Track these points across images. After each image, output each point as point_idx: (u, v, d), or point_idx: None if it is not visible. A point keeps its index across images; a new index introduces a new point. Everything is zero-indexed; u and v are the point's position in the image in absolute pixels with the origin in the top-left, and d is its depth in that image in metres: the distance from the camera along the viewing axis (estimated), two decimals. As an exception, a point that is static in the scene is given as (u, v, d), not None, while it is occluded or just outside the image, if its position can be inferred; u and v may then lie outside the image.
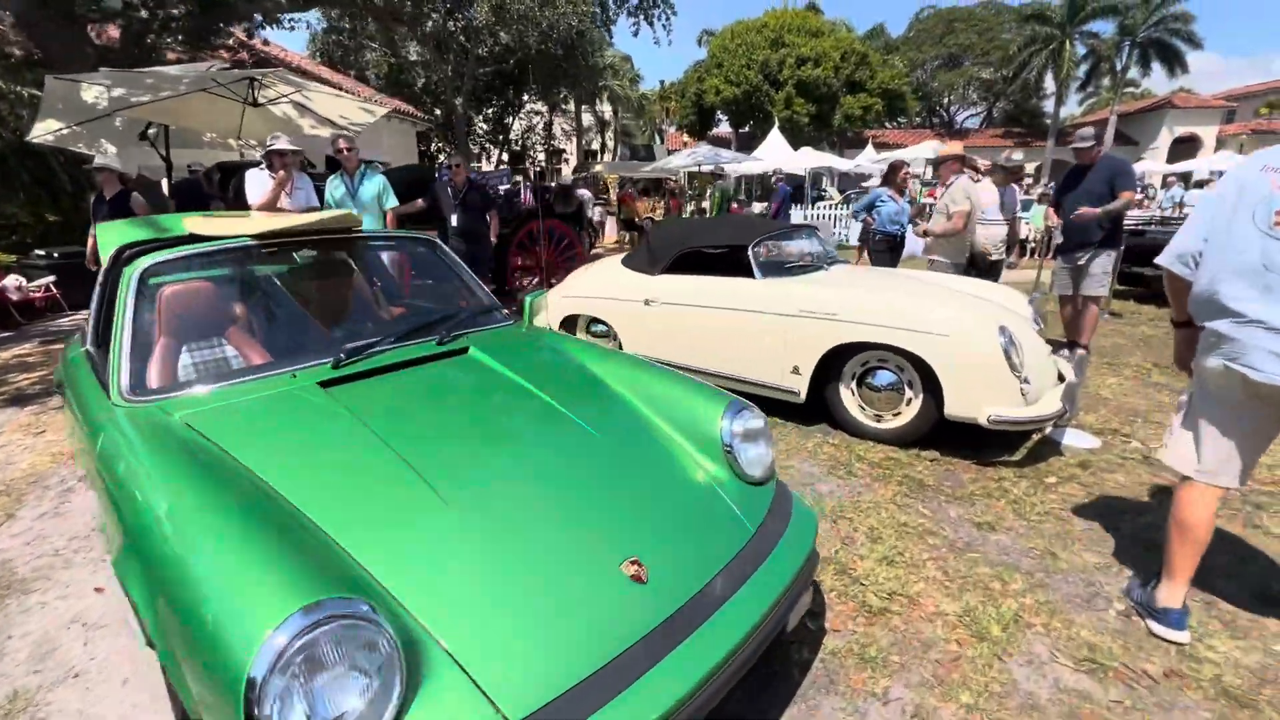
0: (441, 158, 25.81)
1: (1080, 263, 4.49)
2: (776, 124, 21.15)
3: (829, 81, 26.55)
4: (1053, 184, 18.44)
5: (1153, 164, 25.31)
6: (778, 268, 3.73)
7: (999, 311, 3.30)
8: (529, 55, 22.06)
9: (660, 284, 4.09)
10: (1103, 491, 2.80)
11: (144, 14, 8.62)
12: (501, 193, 8.23)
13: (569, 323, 4.73)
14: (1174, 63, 31.10)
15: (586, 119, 31.71)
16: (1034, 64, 33.36)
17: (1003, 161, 4.76)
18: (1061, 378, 3.39)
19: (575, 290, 4.63)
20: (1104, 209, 4.25)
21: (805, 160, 15.15)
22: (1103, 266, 4.46)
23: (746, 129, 31.23)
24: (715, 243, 3.96)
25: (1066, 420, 3.00)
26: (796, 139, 25.68)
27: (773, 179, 11.03)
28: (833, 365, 3.37)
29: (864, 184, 15.48)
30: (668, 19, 14.67)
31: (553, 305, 4.76)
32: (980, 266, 4.94)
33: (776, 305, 3.47)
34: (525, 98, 26.82)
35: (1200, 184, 19.18)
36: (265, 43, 13.07)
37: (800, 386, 3.43)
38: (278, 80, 6.38)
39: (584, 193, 11.13)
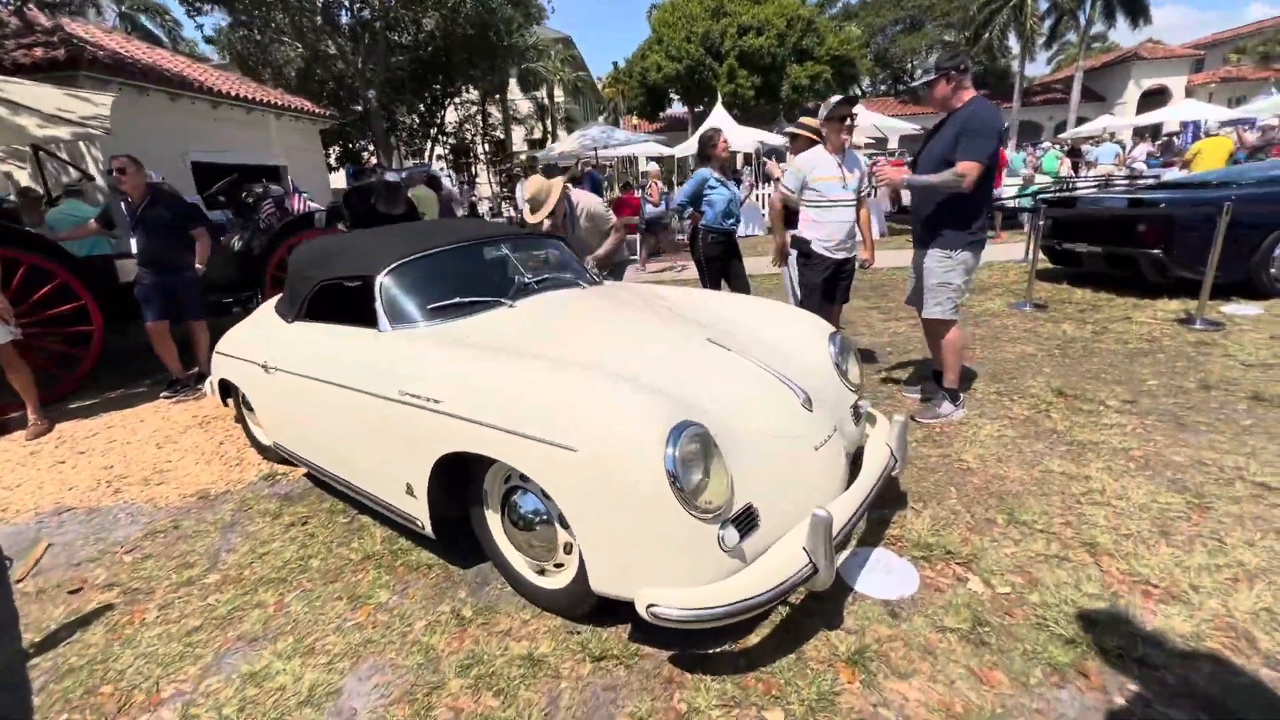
0: (372, 159, 24.16)
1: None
2: (720, 99, 19.79)
3: (773, 51, 24.94)
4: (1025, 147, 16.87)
5: (1120, 119, 23.98)
6: (419, 309, 2.31)
7: (721, 381, 1.92)
8: (445, 40, 20.51)
9: (287, 338, 2.69)
10: (865, 743, 1.44)
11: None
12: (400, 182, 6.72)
13: (228, 390, 3.32)
14: (1138, 13, 29.81)
15: (526, 105, 30.01)
16: (995, 22, 32.02)
17: (815, 119, 3.37)
18: (857, 471, 2.04)
19: (227, 345, 3.20)
20: (907, 179, 2.91)
21: (751, 138, 13.91)
22: (939, 274, 2.97)
23: (700, 108, 29.62)
24: (350, 271, 2.54)
25: (819, 586, 1.64)
26: (745, 115, 24.15)
27: (578, 165, 9.58)
28: (473, 477, 1.99)
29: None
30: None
31: (214, 364, 3.36)
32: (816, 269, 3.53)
33: (378, 380, 2.08)
34: (459, 87, 25.20)
35: (1171, 135, 17.91)
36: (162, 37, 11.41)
37: (420, 513, 2.04)
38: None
39: (446, 190, 9.63)
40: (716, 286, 4.45)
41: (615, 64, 35.88)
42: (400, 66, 21.50)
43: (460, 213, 10.75)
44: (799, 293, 3.73)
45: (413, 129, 26.77)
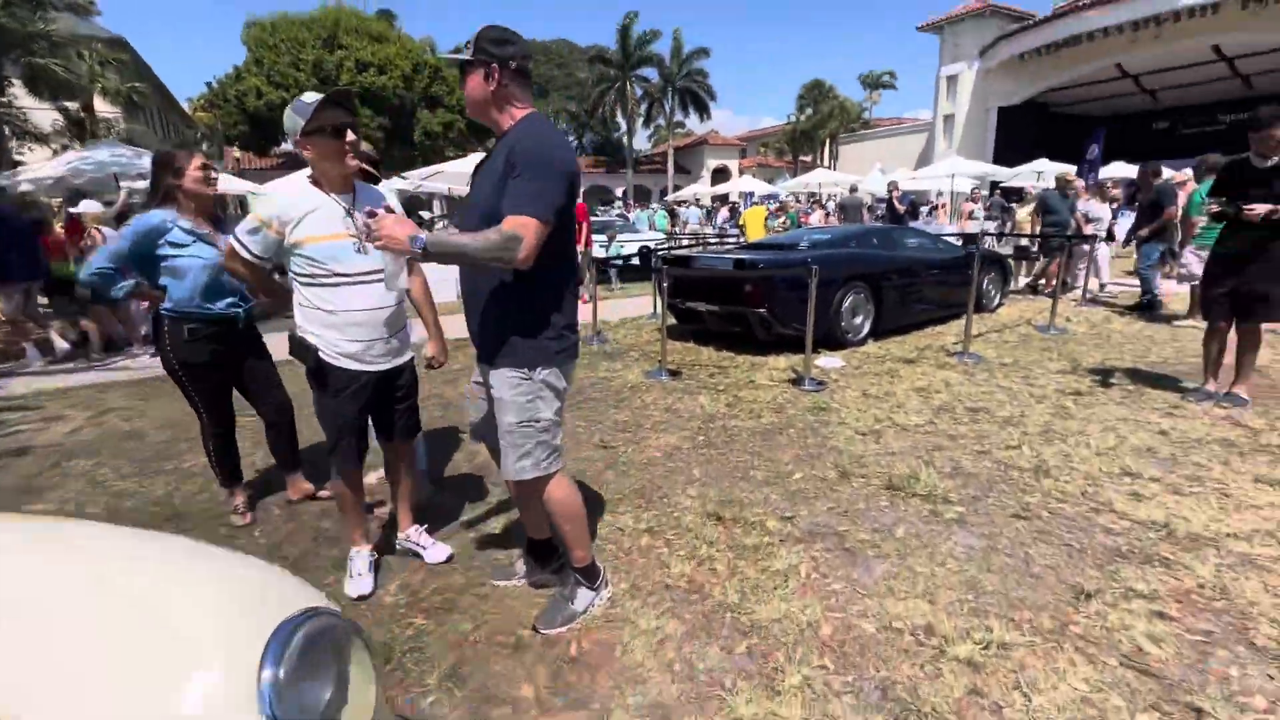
0: None
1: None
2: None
3: (400, 93, 23.32)
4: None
5: (704, 188, 29.59)
6: None
7: None
8: None
9: None
10: None
11: None
12: None
13: None
14: (702, 109, 37.75)
15: (51, 118, 21.51)
16: (606, 100, 36.91)
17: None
18: None
19: None
20: (421, 241, 1.50)
21: (386, 185, 11.76)
22: (518, 406, 1.74)
23: (323, 145, 25.77)
24: None
25: None
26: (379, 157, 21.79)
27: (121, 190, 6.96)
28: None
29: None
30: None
31: None
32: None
33: None
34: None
35: (734, 206, 22.38)
36: None
37: None
38: None
39: None
40: (224, 419, 2.60)
41: (209, 84, 29.10)
42: None
43: None
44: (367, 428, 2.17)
45: None
